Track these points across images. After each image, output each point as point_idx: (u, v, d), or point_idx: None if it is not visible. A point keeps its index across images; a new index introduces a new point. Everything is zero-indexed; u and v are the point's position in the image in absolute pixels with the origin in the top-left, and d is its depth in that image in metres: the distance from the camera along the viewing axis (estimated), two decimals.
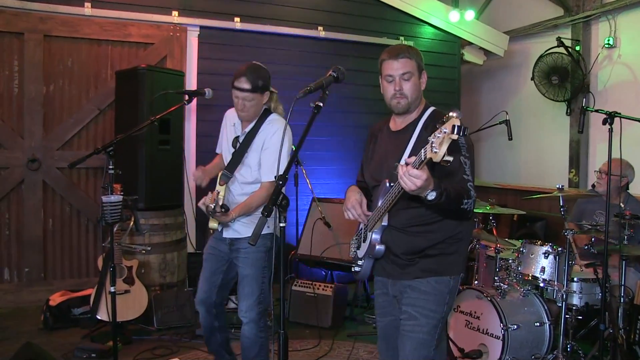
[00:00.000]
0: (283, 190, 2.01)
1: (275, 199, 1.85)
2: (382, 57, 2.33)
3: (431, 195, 1.96)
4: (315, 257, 5.02)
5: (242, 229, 3.05)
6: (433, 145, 1.79)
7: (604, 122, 3.21)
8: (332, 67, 2.18)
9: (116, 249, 4.25)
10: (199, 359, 3.93)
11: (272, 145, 2.93)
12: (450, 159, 1.80)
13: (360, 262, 2.35)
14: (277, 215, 1.90)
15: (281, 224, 1.93)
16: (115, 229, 3.16)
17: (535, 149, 7.10)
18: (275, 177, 2.96)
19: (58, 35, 5.03)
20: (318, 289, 4.69)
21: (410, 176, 1.87)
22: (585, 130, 6.45)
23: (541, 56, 6.42)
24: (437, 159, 1.79)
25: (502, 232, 5.80)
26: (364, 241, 2.38)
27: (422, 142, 2.11)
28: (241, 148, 3.01)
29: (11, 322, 4.55)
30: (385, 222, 2.24)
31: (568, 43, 6.34)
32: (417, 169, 1.87)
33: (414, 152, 2.14)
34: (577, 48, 6.36)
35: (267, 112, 3.06)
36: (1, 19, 4.81)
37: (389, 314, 2.46)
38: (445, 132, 1.76)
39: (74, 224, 5.25)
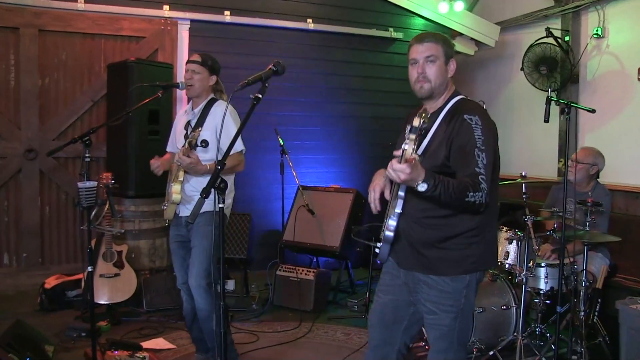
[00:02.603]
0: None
1: (214, 182, 2.00)
2: (410, 43, 2.34)
3: (422, 187, 1.96)
4: (299, 243, 5.18)
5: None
6: (407, 141, 1.88)
7: (562, 111, 3.31)
8: (272, 62, 2.29)
9: (107, 234, 4.47)
10: (182, 338, 4.11)
11: (228, 122, 3.19)
12: (416, 156, 1.88)
13: (379, 245, 2.29)
14: (216, 197, 2.06)
15: (220, 205, 2.09)
16: (94, 212, 3.34)
17: (526, 138, 7.14)
18: (243, 149, 3.29)
19: (52, 30, 5.20)
20: (301, 274, 4.85)
21: (395, 170, 1.88)
22: (574, 120, 6.50)
23: (530, 46, 6.45)
24: (407, 156, 1.86)
25: None
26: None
27: (438, 136, 2.21)
28: (195, 128, 3.26)
29: (10, 304, 4.77)
30: (399, 209, 2.16)
31: (558, 34, 6.37)
32: (400, 162, 1.88)
33: (429, 145, 2.22)
34: (567, 38, 6.39)
35: (215, 100, 3.40)
36: None
37: (391, 294, 2.45)
38: (407, 130, 1.85)
39: (70, 211, 5.45)
